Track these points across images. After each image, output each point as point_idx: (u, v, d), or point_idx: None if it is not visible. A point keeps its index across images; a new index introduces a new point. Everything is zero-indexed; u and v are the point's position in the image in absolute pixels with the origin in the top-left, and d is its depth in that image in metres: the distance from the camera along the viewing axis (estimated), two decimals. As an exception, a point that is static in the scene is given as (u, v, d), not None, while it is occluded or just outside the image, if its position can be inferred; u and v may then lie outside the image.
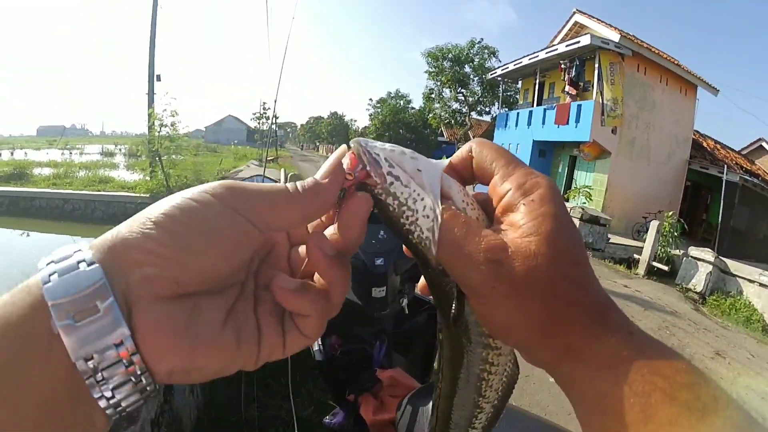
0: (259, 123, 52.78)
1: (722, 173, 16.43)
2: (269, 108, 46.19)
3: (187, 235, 0.33)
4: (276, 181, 1.27)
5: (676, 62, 18.54)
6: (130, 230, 0.33)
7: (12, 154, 33.78)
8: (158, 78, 17.18)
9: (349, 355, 1.50)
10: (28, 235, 12.72)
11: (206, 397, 3.05)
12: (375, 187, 0.39)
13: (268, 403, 2.98)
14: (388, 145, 0.41)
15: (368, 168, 0.38)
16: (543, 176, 0.38)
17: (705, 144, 21.35)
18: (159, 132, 14.25)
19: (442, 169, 0.41)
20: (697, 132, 21.04)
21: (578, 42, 17.54)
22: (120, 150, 47.79)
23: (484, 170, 0.41)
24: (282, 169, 15.20)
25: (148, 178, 16.33)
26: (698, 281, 9.30)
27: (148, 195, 13.98)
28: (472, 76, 28.15)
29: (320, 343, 1.54)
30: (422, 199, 0.38)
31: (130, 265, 0.31)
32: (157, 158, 14.69)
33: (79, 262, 0.31)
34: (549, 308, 0.34)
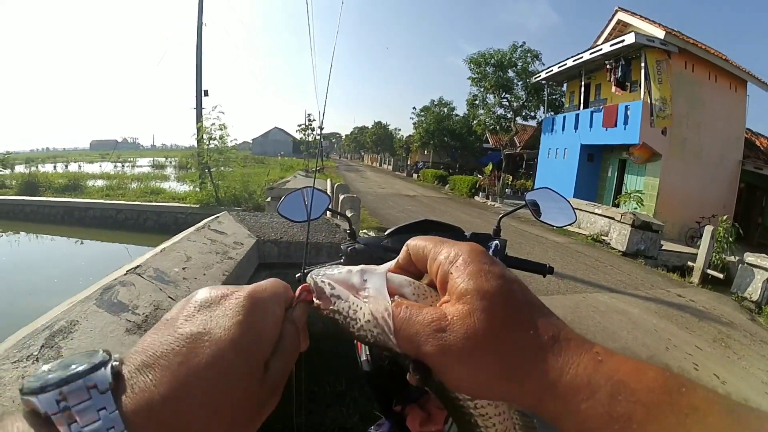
0: (304, 134, 53.58)
1: (777, 173, 15.76)
2: (314, 120, 46.93)
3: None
4: (325, 192, 1.28)
5: (724, 57, 17.88)
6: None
7: (67, 166, 35.34)
8: (206, 93, 17.72)
9: (398, 365, 1.50)
10: (82, 243, 13.25)
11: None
12: (324, 310, 0.46)
13: (314, 410, 3.01)
14: (337, 270, 0.48)
15: (315, 295, 0.47)
16: (465, 244, 0.42)
17: (758, 143, 20.48)
18: (208, 145, 14.63)
19: (385, 271, 0.46)
20: (749, 130, 20.20)
21: (623, 41, 17.11)
22: (170, 162, 49.44)
23: (420, 258, 0.45)
24: (328, 179, 15.34)
25: (197, 189, 16.77)
26: (754, 289, 8.88)
27: (198, 205, 14.35)
28: (515, 81, 27.78)
29: (368, 352, 1.54)
30: (360, 308, 0.44)
31: None
32: (206, 170, 15.08)
33: None
34: (502, 358, 0.35)
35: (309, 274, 0.48)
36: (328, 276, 0.47)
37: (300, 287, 0.49)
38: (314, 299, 0.47)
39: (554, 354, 0.35)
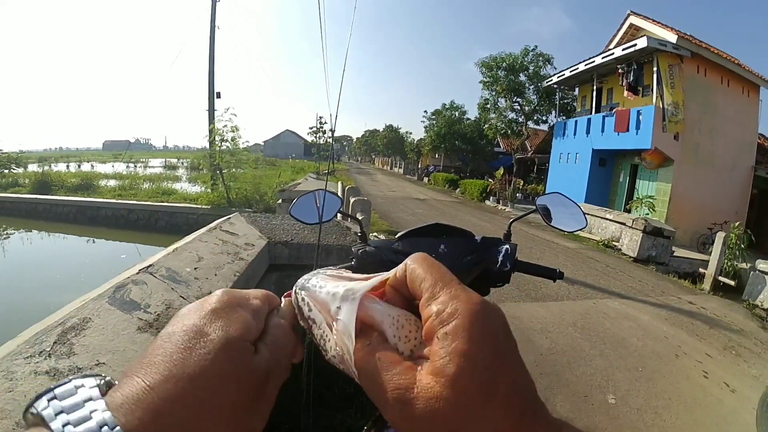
0: (316, 137, 53.74)
1: (789, 180, 15.60)
2: (325, 122, 47.12)
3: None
4: (336, 195, 1.30)
5: (736, 62, 17.71)
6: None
7: (79, 166, 35.65)
8: (218, 95, 17.89)
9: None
10: (94, 242, 13.37)
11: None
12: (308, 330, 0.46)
13: (322, 413, 3.01)
14: (319, 284, 0.45)
15: (297, 315, 0.46)
16: (466, 300, 0.36)
17: (770, 148, 20.30)
18: (220, 147, 14.71)
19: (360, 298, 0.40)
20: (762, 135, 19.98)
21: (635, 45, 17.02)
22: (182, 163, 49.66)
23: (415, 290, 0.40)
24: (339, 182, 15.37)
25: (209, 190, 16.91)
26: (766, 297, 8.76)
27: (209, 206, 14.43)
28: (527, 85, 27.70)
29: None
30: (329, 340, 0.42)
31: None
32: (218, 171, 15.18)
33: None
34: None
35: (296, 285, 0.47)
36: (310, 293, 0.45)
37: (284, 296, 0.49)
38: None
39: None
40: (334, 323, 0.41)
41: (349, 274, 0.46)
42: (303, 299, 0.45)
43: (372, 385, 0.37)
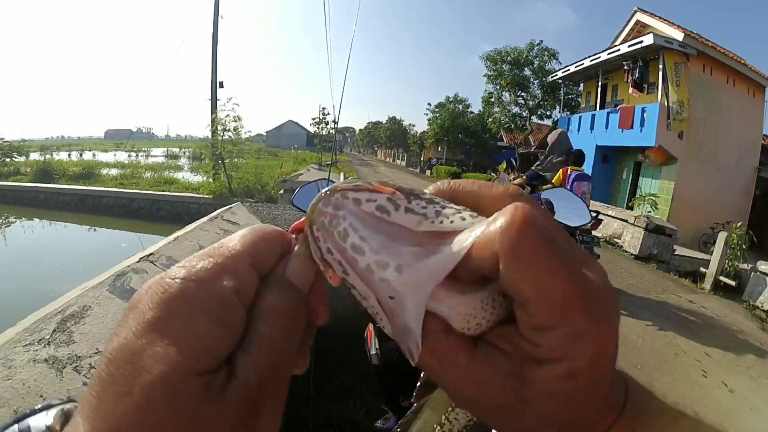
0: (318, 128, 53.61)
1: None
2: (328, 113, 47.03)
3: None
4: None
5: (743, 62, 17.65)
6: None
7: (81, 155, 35.71)
8: (221, 85, 17.89)
9: (406, 361, 1.50)
10: (95, 231, 13.40)
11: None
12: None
13: (321, 403, 3.01)
14: (352, 237, 0.29)
15: (322, 268, 0.31)
16: (594, 335, 0.26)
17: (775, 149, 20.24)
18: (222, 136, 14.69)
19: (423, 310, 0.28)
20: (767, 136, 19.97)
21: (641, 42, 16.92)
22: (184, 153, 49.69)
23: (509, 291, 0.26)
24: (341, 173, 15.35)
25: (211, 180, 16.90)
26: (766, 298, 8.76)
27: (211, 196, 14.43)
28: (532, 79, 27.64)
29: (377, 347, 1.53)
30: (381, 319, 0.30)
31: None
32: (220, 161, 15.16)
33: None
34: None
35: (312, 222, 0.30)
36: (340, 249, 0.29)
37: (293, 231, 0.33)
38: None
39: None
40: (388, 316, 0.29)
41: (395, 215, 0.29)
42: (330, 252, 0.29)
43: (435, 378, 0.31)
